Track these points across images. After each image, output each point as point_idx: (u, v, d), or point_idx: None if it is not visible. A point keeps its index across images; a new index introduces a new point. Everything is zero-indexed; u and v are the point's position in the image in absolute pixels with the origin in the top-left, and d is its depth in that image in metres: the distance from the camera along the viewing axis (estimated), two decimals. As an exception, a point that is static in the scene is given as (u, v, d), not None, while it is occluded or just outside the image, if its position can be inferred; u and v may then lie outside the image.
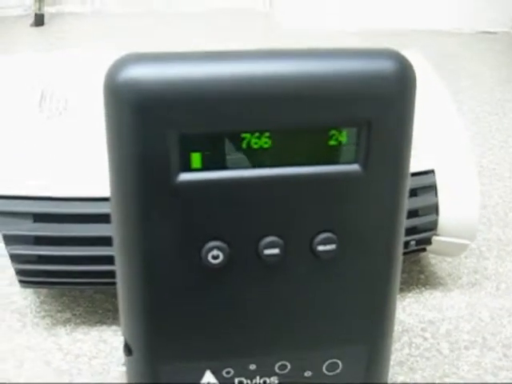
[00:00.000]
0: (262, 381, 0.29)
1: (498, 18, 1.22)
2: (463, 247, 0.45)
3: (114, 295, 0.35)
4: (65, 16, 1.19)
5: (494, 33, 1.21)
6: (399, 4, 1.19)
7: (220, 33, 1.13)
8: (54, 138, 0.40)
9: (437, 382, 0.39)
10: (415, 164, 0.43)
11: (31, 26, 1.12)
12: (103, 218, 0.38)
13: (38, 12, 1.12)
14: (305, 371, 0.29)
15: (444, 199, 0.43)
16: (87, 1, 1.22)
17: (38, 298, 0.46)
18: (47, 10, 1.16)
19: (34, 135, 0.41)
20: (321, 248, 0.26)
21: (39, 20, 1.13)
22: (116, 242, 0.26)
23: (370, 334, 0.29)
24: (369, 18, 1.19)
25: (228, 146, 0.24)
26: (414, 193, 0.42)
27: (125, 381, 0.30)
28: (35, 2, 1.11)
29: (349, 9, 1.19)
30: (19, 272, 0.40)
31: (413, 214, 0.43)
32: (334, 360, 0.29)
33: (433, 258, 0.51)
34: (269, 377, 0.29)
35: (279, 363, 0.29)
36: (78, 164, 0.39)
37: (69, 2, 1.21)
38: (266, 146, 0.24)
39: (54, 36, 1.10)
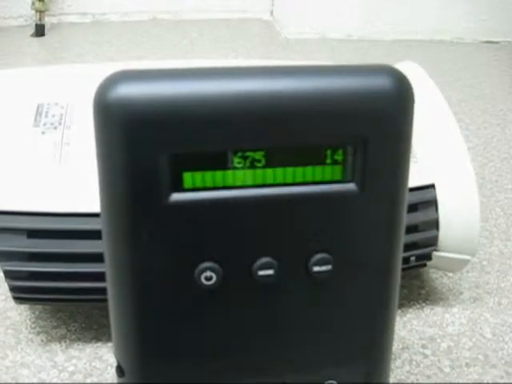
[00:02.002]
0: (257, 404, 0.28)
1: (500, 27, 1.21)
2: (464, 263, 0.44)
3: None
4: (66, 26, 1.19)
5: (496, 42, 1.21)
6: (400, 14, 1.19)
7: (222, 42, 1.13)
8: (48, 153, 0.40)
9: (437, 400, 0.38)
10: (415, 178, 0.42)
11: (32, 36, 1.12)
12: (98, 235, 0.37)
13: (38, 22, 1.12)
14: (301, 393, 0.29)
15: (444, 214, 0.42)
16: (88, 12, 1.22)
17: (34, 313, 0.45)
18: (48, 20, 1.16)
19: (28, 150, 0.40)
20: (316, 269, 0.25)
21: (40, 30, 1.12)
22: (107, 262, 0.26)
23: (368, 354, 0.29)
24: (370, 27, 1.19)
25: (220, 165, 0.24)
26: (414, 208, 0.42)
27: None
28: (36, 13, 1.11)
29: (350, 19, 1.19)
30: (13, 288, 0.39)
31: (413, 229, 0.42)
32: (331, 381, 0.29)
33: (434, 273, 0.50)
34: (264, 399, 0.28)
35: (275, 385, 0.28)
36: (72, 179, 0.39)
37: (70, 13, 1.21)
38: (259, 164, 0.24)
39: (54, 46, 1.10)
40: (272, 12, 1.29)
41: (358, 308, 0.27)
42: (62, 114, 0.42)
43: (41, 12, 1.13)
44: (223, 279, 0.25)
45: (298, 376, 0.28)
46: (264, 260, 0.25)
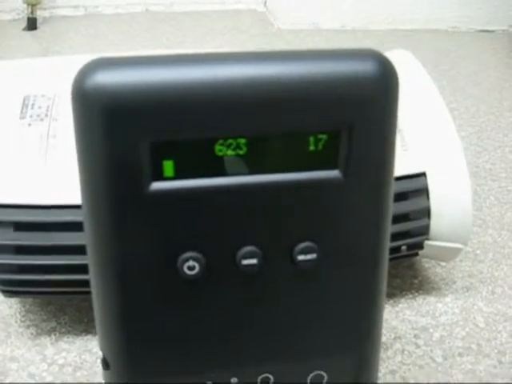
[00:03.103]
0: (244, 394, 0.28)
1: (495, 16, 1.21)
2: (456, 251, 0.44)
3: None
4: (58, 20, 1.18)
5: (492, 31, 1.20)
6: (396, 3, 1.18)
7: (215, 33, 1.12)
8: (34, 145, 0.39)
9: (430, 390, 0.38)
10: (406, 167, 0.42)
11: (24, 30, 1.11)
12: (85, 226, 0.37)
13: (30, 16, 1.11)
14: (289, 384, 0.28)
15: (436, 203, 0.42)
16: (80, 4, 1.21)
17: (24, 306, 0.45)
18: (40, 14, 1.15)
19: (14, 142, 0.40)
20: (301, 257, 0.25)
21: (32, 24, 1.12)
22: (89, 253, 0.25)
23: (355, 344, 0.28)
24: (364, 17, 1.18)
25: (202, 153, 0.23)
26: (404, 196, 0.41)
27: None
28: (28, 6, 1.10)
29: (344, 8, 1.18)
30: (1, 282, 0.39)
31: (404, 218, 0.41)
32: (319, 372, 0.28)
33: (426, 263, 0.50)
34: (251, 390, 0.28)
35: (262, 376, 0.28)
36: (58, 172, 0.38)
37: (62, 6, 1.20)
38: (241, 152, 0.23)
39: (46, 40, 1.09)
40: (265, 3, 1.28)
41: (344, 298, 0.27)
42: (48, 106, 0.42)
43: (33, 5, 1.12)
44: (206, 269, 0.25)
45: (285, 366, 0.28)
46: (247, 249, 0.25)
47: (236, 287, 0.25)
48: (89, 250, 0.25)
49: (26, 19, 1.13)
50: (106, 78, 0.22)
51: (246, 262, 0.25)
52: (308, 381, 0.29)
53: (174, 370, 0.27)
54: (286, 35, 1.13)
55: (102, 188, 0.23)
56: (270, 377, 0.28)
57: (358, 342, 0.28)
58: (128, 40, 1.08)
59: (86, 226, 0.25)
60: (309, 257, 0.25)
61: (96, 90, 0.22)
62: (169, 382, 0.27)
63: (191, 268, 0.24)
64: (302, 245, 0.25)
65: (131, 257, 0.24)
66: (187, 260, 0.24)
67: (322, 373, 0.28)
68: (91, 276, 0.26)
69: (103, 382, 0.38)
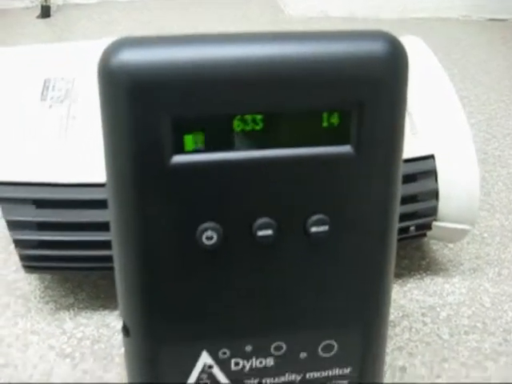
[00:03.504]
0: (258, 362, 0.29)
1: (506, 5, 1.21)
2: (464, 233, 0.45)
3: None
4: (71, 7, 1.20)
5: (504, 20, 1.20)
6: (406, -8, 1.18)
7: (226, 21, 1.13)
8: (55, 125, 0.41)
9: (436, 367, 0.39)
10: (415, 149, 0.43)
11: (37, 17, 1.12)
12: (104, 204, 0.38)
13: (44, 4, 1.13)
14: (300, 352, 0.30)
15: (444, 185, 0.43)
16: (93, -8, 1.22)
17: (43, 283, 0.46)
18: (53, 1, 1.16)
19: (36, 123, 0.41)
20: (314, 229, 0.26)
21: (45, 12, 1.13)
22: (112, 224, 0.27)
23: (364, 315, 0.30)
24: (375, 5, 1.18)
25: (221, 128, 0.24)
26: (413, 178, 0.42)
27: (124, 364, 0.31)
28: (42, -6, 1.12)
29: (356, -3, 1.18)
30: (23, 257, 0.40)
31: (412, 199, 0.43)
32: (329, 341, 0.30)
33: (434, 245, 0.51)
34: (265, 358, 0.29)
35: (275, 344, 0.29)
36: (78, 150, 0.40)
37: (75, -6, 1.22)
38: (258, 128, 0.25)
39: (60, 27, 1.10)
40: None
41: (354, 269, 0.28)
42: (67, 89, 0.43)
43: (46, -7, 1.14)
44: (224, 239, 0.26)
45: (297, 335, 0.29)
46: (263, 220, 0.26)
47: (251, 257, 0.27)
48: (112, 221, 0.27)
49: (39, 7, 1.15)
50: (130, 57, 0.23)
51: (261, 232, 0.26)
52: (319, 350, 0.30)
53: (191, 336, 0.28)
54: (296, 23, 1.14)
55: (126, 161, 0.25)
56: (283, 345, 0.29)
57: (366, 313, 0.30)
58: (141, 27, 1.09)
59: (110, 198, 0.26)
60: (321, 229, 0.26)
61: (121, 68, 0.23)
62: (186, 349, 0.28)
63: (209, 238, 0.26)
64: (315, 217, 0.26)
65: (153, 228, 0.26)
66: (206, 230, 0.25)
67: (333, 342, 0.30)
68: (114, 247, 0.27)
69: (121, 354, 0.39)
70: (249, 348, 0.29)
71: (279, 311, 0.28)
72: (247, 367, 0.30)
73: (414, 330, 0.42)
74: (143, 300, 0.27)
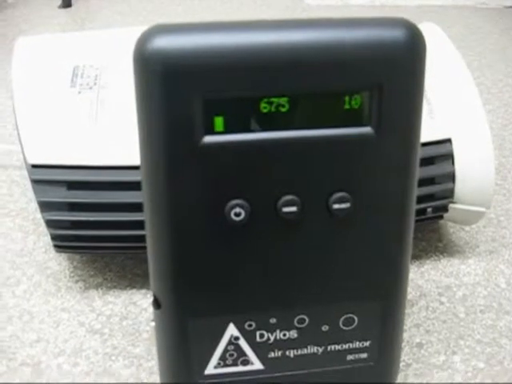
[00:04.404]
0: (281, 334, 0.31)
1: (525, -8, 1.20)
2: (479, 215, 0.46)
3: (144, 261, 0.37)
4: (92, -3, 1.22)
5: (521, 7, 1.20)
6: (424, -20, 1.19)
7: (244, 9, 1.15)
8: (85, 110, 0.43)
9: (452, 343, 0.40)
10: (432, 133, 0.44)
11: (59, 7, 1.15)
12: (133, 186, 0.40)
13: (65, -7, 1.15)
14: (322, 325, 0.31)
15: (460, 168, 0.44)
16: (114, -18, 1.24)
17: (72, 263, 0.48)
18: (75, -9, 1.18)
19: (66, 109, 0.43)
20: (336, 206, 0.28)
21: (67, 1, 1.15)
22: (145, 201, 0.28)
23: (383, 290, 0.31)
24: (393, -6, 1.19)
25: (248, 110, 0.26)
26: (431, 161, 0.44)
27: (153, 339, 0.32)
28: (63, -16, 1.14)
29: (373, -15, 1.19)
30: (54, 237, 0.42)
31: (430, 181, 0.44)
32: (350, 315, 0.31)
33: (451, 227, 0.52)
34: (288, 330, 0.31)
35: (298, 317, 0.31)
36: (108, 134, 0.42)
37: (96, -17, 1.23)
38: (284, 109, 0.26)
39: (81, 17, 1.12)
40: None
41: (374, 246, 0.30)
42: (96, 75, 0.45)
43: (67, -17, 1.16)
44: (251, 216, 0.27)
45: (319, 308, 0.31)
46: (288, 198, 0.27)
47: (277, 233, 0.28)
48: (145, 199, 0.28)
49: (60, -3, 1.17)
50: (164, 43, 0.25)
51: (286, 209, 0.27)
52: (340, 323, 0.31)
53: (219, 309, 0.30)
54: (315, 11, 1.15)
55: (160, 142, 0.26)
56: (306, 318, 0.31)
57: (385, 287, 0.31)
58: (161, 16, 1.11)
59: (144, 177, 0.28)
60: (343, 206, 0.28)
61: (155, 55, 0.25)
62: (214, 321, 0.30)
63: (237, 214, 0.27)
64: (338, 194, 0.28)
65: (184, 205, 0.27)
66: (234, 207, 0.27)
67: (353, 316, 0.31)
68: (147, 223, 0.29)
69: (148, 330, 0.41)
70: (273, 320, 0.31)
71: (303, 285, 0.30)
72: (271, 339, 0.31)
73: (430, 308, 0.44)
74: (174, 273, 0.29)
